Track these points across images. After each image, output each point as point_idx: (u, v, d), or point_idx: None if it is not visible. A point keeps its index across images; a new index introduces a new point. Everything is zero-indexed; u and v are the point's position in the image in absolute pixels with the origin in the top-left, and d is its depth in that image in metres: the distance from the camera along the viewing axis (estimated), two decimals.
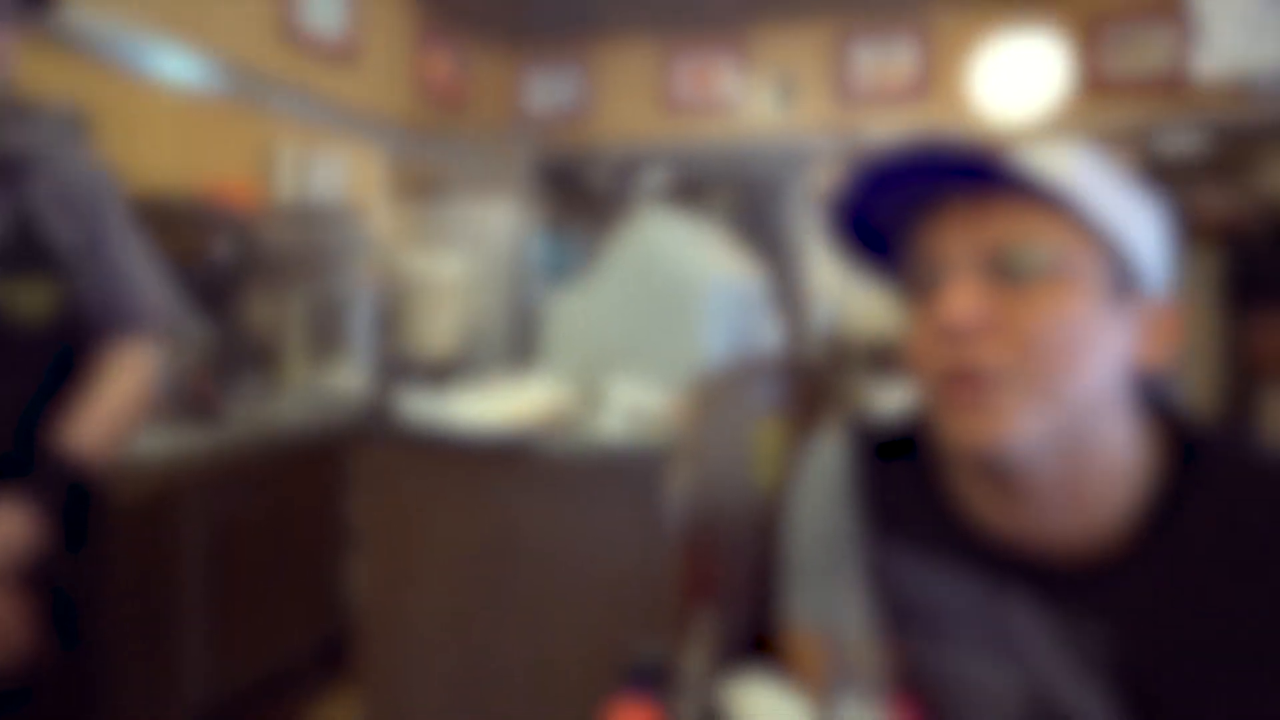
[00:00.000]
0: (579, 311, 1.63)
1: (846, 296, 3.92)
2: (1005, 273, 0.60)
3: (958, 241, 0.62)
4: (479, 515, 1.45)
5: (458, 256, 3.94)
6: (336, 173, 3.63)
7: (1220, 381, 5.33)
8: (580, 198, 4.44)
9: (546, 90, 4.58)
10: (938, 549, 0.71)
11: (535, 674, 1.45)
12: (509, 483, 1.43)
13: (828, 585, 0.78)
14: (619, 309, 1.61)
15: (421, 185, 4.05)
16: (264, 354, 3.17)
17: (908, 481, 0.75)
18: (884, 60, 4.07)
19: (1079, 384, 0.60)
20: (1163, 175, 4.00)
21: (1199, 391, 5.32)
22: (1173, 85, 3.78)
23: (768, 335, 2.21)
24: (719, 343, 1.67)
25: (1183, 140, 4.10)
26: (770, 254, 4.05)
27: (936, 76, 4.01)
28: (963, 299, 0.60)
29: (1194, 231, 4.26)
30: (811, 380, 2.81)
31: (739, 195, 4.74)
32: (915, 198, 0.65)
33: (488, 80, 4.59)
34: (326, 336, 3.50)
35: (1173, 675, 0.62)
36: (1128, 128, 3.85)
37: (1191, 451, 0.65)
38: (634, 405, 1.54)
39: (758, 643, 0.87)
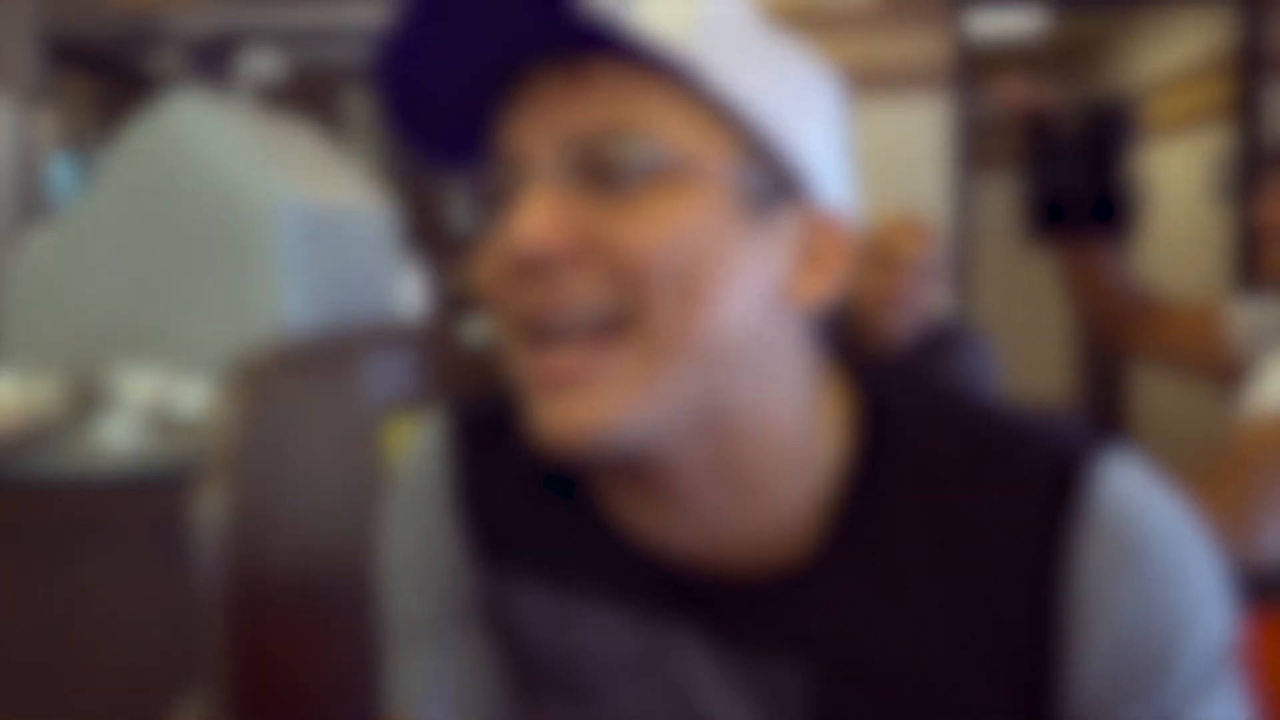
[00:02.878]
0: (63, 260, 1.57)
1: None
2: (598, 174, 0.62)
3: (538, 133, 0.64)
4: None
5: None
6: None
7: (1074, 353, 6.06)
8: (134, 96, 4.23)
9: None
10: (576, 576, 0.75)
11: None
12: None
13: (432, 645, 0.81)
14: (128, 253, 1.56)
15: None
16: None
17: (531, 481, 0.78)
18: None
19: (708, 331, 0.63)
20: (978, 66, 4.46)
21: (1050, 367, 6.02)
22: None
23: (402, 294, 2.23)
24: (300, 301, 1.67)
25: (1006, 19, 4.60)
26: (432, 184, 4.08)
27: None
28: (537, 215, 0.61)
29: (984, 145, 4.77)
30: (476, 359, 2.87)
31: None
32: (486, 67, 0.67)
33: None
34: None
35: (879, 707, 0.69)
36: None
37: (882, 414, 0.72)
38: (155, 403, 1.51)
39: None
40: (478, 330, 3.36)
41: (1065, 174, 1.80)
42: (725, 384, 0.65)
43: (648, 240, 0.61)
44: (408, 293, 2.27)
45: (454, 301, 3.41)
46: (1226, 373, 1.78)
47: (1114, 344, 1.94)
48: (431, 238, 3.54)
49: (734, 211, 0.64)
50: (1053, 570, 0.65)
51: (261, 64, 4.56)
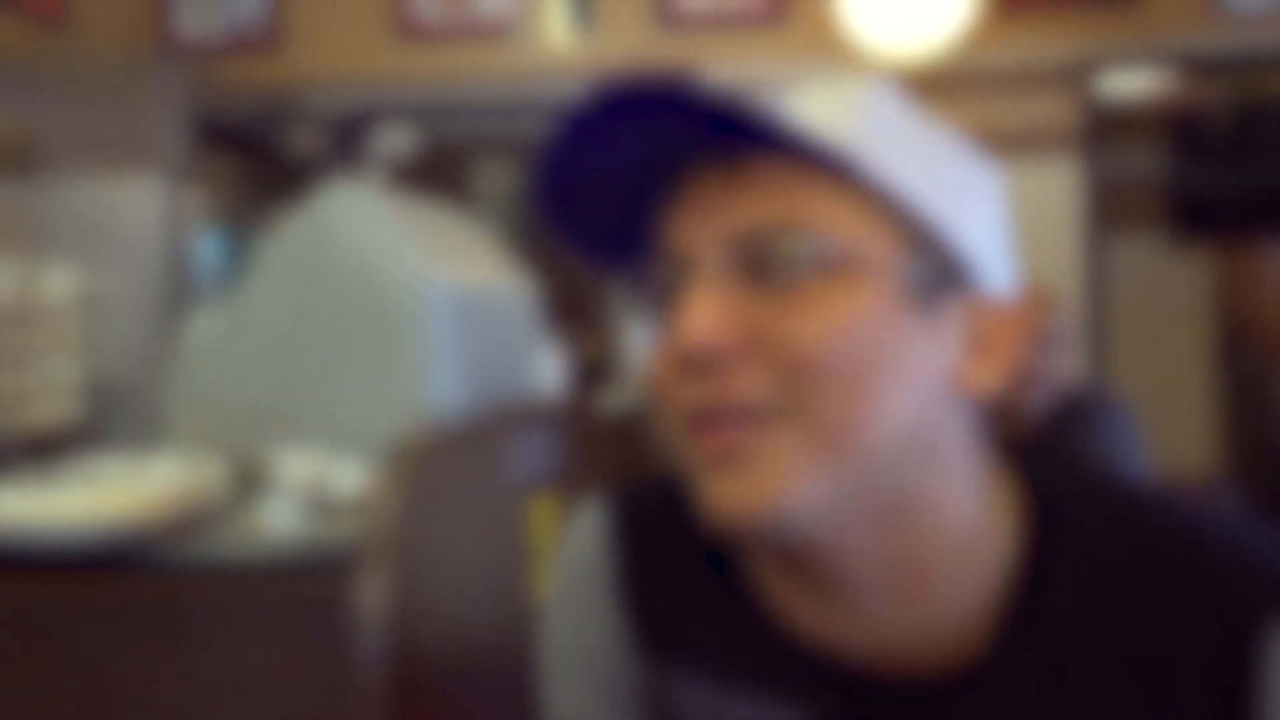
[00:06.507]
0: (224, 344, 1.61)
1: None
2: (764, 270, 0.63)
3: (702, 230, 0.65)
4: (50, 675, 1.38)
5: (72, 266, 3.77)
6: None
7: (1221, 423, 5.85)
8: (275, 171, 4.37)
9: (207, 4, 4.50)
10: (738, 670, 0.74)
11: None
12: (99, 617, 1.38)
13: None
14: (286, 337, 1.60)
15: (2, 151, 3.85)
16: None
17: (694, 572, 0.78)
18: None
19: (876, 423, 0.63)
20: (1109, 128, 4.37)
21: (1195, 438, 5.82)
22: (1126, 2, 4.15)
23: (542, 372, 2.25)
24: (450, 384, 1.69)
25: (1137, 80, 4.51)
26: (562, 255, 4.10)
27: None
28: (705, 311, 0.62)
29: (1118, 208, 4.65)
30: (617, 437, 2.87)
31: (521, 165, 4.80)
32: (648, 170, 0.68)
33: None
34: None
35: None
36: (1061, 62, 4.19)
37: (1052, 509, 0.70)
38: (314, 486, 1.53)
39: None
40: (614, 399, 3.37)
41: (1214, 174, 1.76)
42: (896, 475, 0.65)
43: (815, 334, 0.62)
44: (547, 368, 2.29)
45: (589, 372, 3.44)
46: None
47: (1274, 357, 1.85)
48: (565, 309, 3.57)
49: (901, 303, 0.64)
50: (1246, 686, 0.63)
51: (396, 140, 4.68)
